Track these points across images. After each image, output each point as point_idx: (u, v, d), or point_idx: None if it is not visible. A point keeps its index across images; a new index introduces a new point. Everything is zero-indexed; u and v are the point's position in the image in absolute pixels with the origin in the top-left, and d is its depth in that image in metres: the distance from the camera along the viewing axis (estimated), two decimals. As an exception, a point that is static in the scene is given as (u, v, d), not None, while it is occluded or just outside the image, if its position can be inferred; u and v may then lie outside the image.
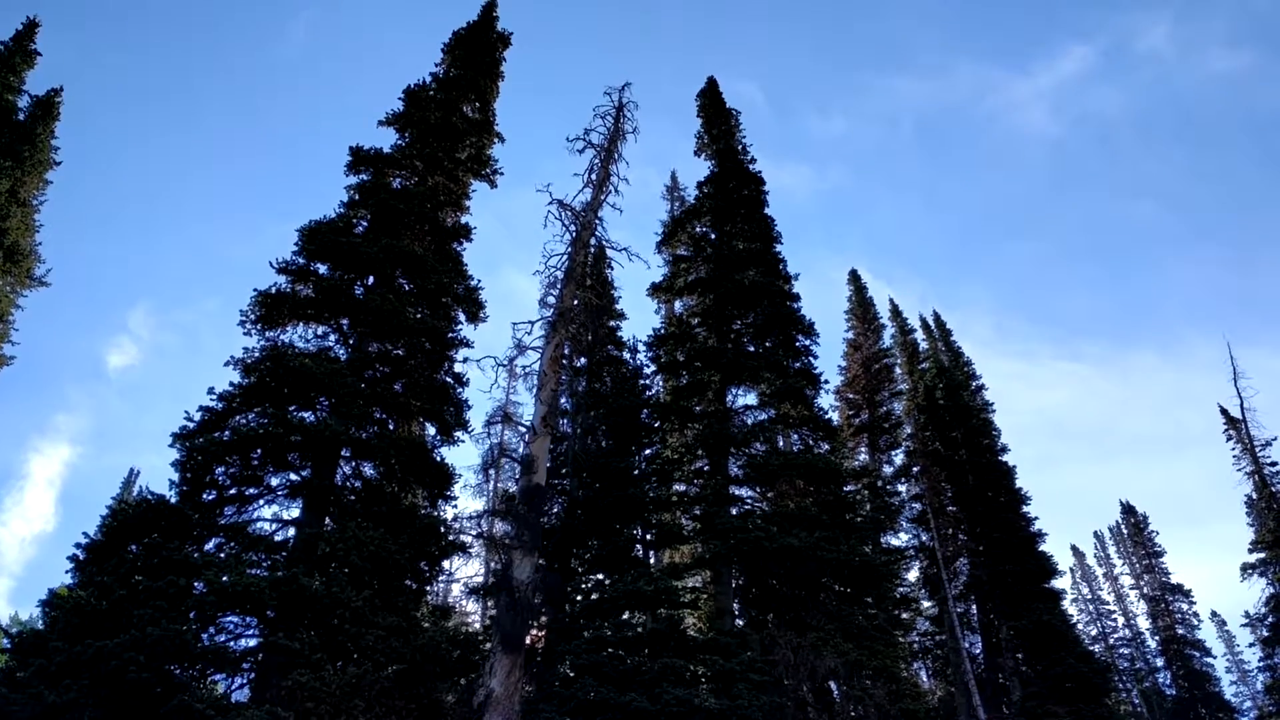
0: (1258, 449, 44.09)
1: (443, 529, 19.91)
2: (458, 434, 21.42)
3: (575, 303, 22.28)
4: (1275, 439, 44.46)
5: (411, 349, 21.40)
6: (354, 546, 17.05)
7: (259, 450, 18.32)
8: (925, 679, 35.09)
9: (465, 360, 22.13)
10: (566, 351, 28.33)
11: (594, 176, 23.60)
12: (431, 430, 21.36)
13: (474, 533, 23.90)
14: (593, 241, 23.17)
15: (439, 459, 20.43)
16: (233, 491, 18.40)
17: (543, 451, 19.32)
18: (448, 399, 21.47)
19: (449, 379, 21.85)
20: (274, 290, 20.38)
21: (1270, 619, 40.84)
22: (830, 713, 21.74)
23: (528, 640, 22.74)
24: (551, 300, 21.70)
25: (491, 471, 42.87)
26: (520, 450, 23.21)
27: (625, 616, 21.23)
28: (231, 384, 18.80)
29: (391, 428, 20.62)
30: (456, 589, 35.22)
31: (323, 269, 21.26)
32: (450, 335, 22.08)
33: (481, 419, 48.92)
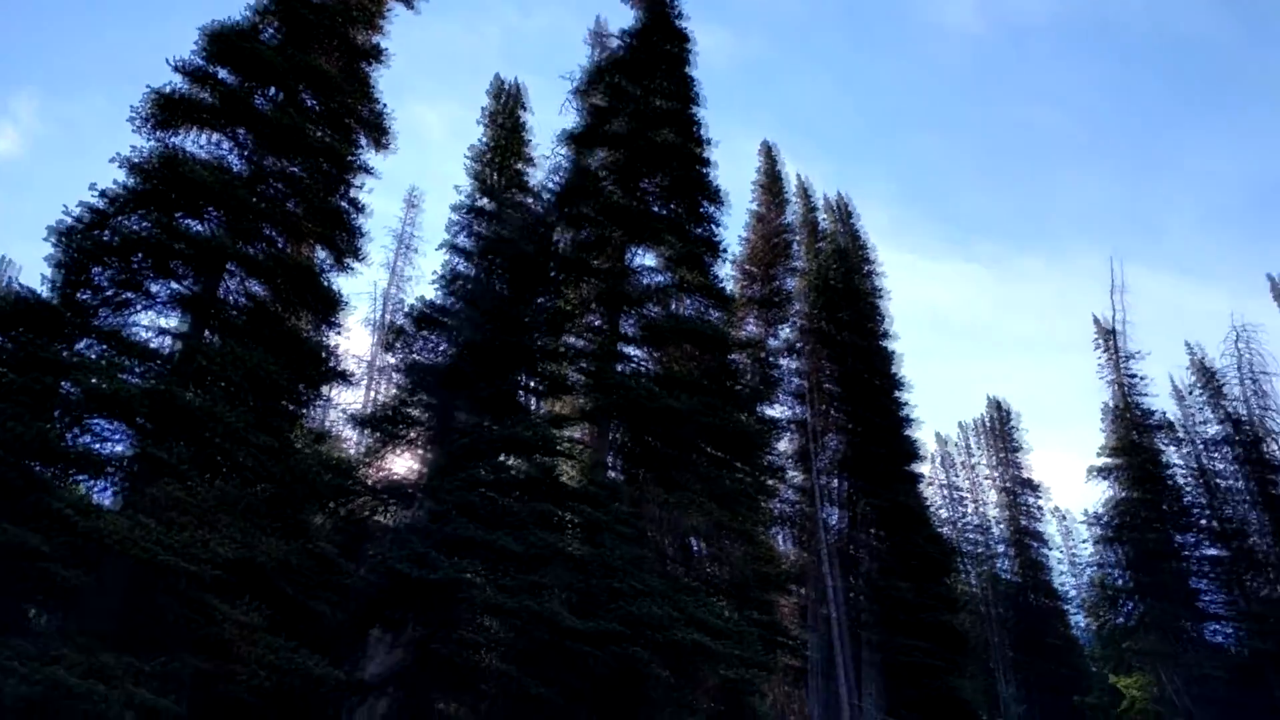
0: (1124, 361, 46.36)
1: (326, 355, 19.74)
2: (350, 262, 21.04)
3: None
4: (1140, 353, 46.84)
5: (310, 169, 20.72)
6: (233, 363, 16.83)
7: (142, 255, 17.72)
8: (785, 545, 36.71)
9: (366, 188, 21.61)
10: (471, 192, 27.89)
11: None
12: (324, 255, 20.92)
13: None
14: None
15: (329, 285, 20.08)
16: (111, 295, 17.83)
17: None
18: (343, 225, 20.99)
19: (347, 204, 21.30)
20: (170, 91, 19.34)
21: (1106, 519, 43.71)
22: (689, 567, 22.74)
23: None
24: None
25: (384, 302, 42.44)
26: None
27: (503, 460, 21.60)
28: (117, 184, 17.96)
29: (282, 248, 20.12)
30: (336, 415, 35.14)
31: (224, 75, 20.22)
32: (352, 159, 21.42)
33: (379, 250, 48.03)
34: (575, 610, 18.65)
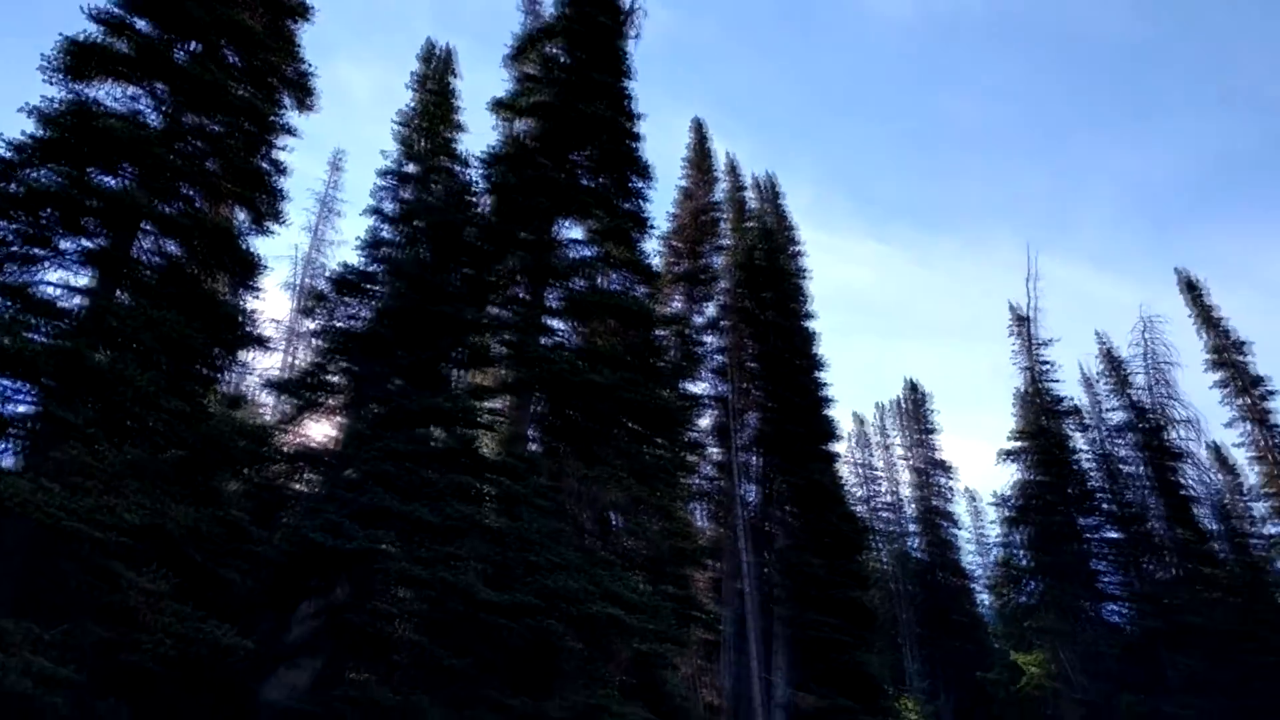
0: (1036, 347, 47.61)
1: (243, 318, 19.34)
2: (270, 224, 20.59)
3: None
4: (1051, 340, 48.17)
5: (231, 128, 20.17)
6: (146, 325, 16.39)
7: (51, 210, 17.11)
8: (702, 520, 37.09)
9: (288, 148, 21.15)
10: (397, 157, 27.46)
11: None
12: (243, 216, 20.43)
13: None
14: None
15: (247, 247, 19.60)
16: (17, 250, 17.20)
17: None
18: (264, 186, 20.51)
19: (268, 165, 20.80)
20: (85, 39, 18.61)
21: (1014, 501, 44.99)
22: (606, 542, 22.89)
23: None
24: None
25: (304, 266, 41.68)
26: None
27: (422, 430, 21.44)
28: (26, 135, 17.29)
29: (200, 207, 19.60)
30: (253, 381, 34.49)
31: (143, 25, 19.53)
32: (274, 119, 20.92)
33: (301, 212, 47.12)
34: (491, 582, 18.67)
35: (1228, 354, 48.93)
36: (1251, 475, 49.05)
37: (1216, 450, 50.62)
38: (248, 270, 19.91)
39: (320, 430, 23.67)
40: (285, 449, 22.75)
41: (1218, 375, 49.37)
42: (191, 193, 19.44)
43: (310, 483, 22.21)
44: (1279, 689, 33.74)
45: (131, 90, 19.39)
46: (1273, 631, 35.44)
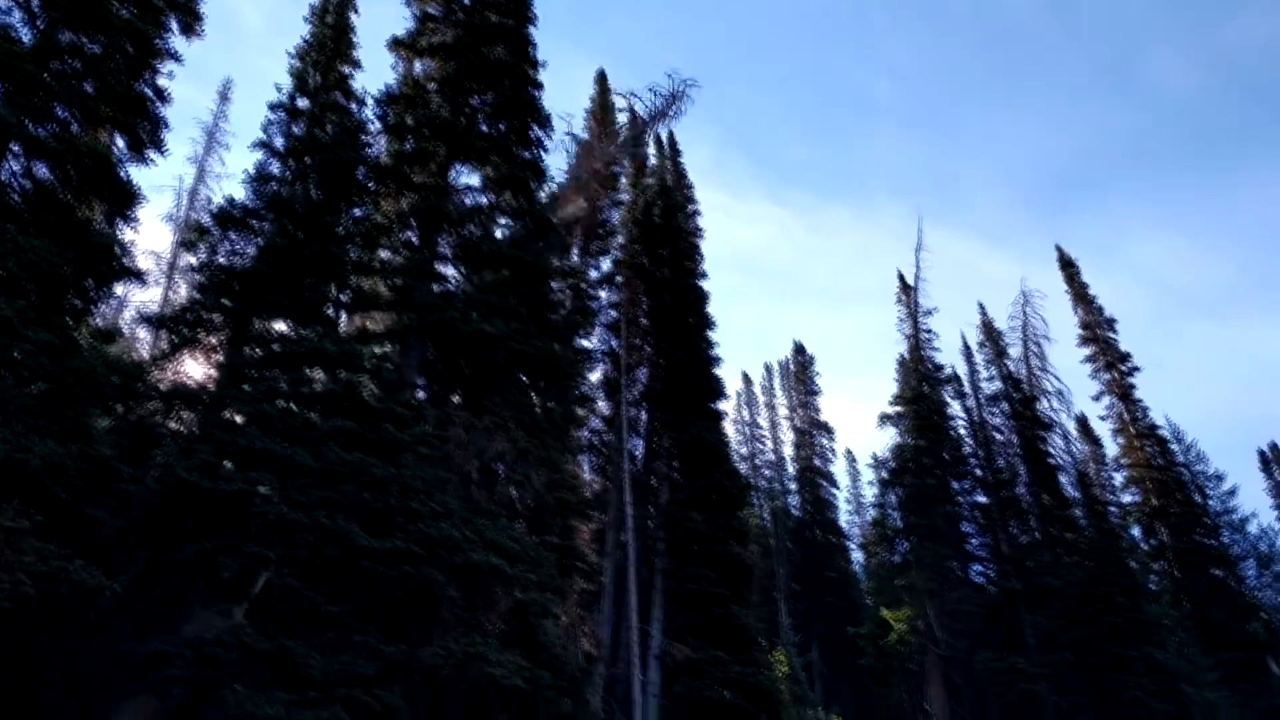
0: (919, 315, 48.98)
1: (119, 250, 18.58)
2: (151, 153, 19.75)
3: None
4: (935, 310, 49.65)
5: (110, 49, 19.20)
6: (12, 251, 15.64)
7: (-92, 124, 16.16)
8: (588, 473, 37.29)
9: (171, 75, 20.28)
10: (290, 91, 26.57)
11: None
12: (121, 143, 19.54)
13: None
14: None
15: (124, 175, 18.82)
16: None
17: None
18: (144, 112, 19.64)
19: (149, 90, 19.91)
20: (-50, -57, 17.52)
21: (891, 463, 46.46)
22: (492, 492, 22.87)
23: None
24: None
25: (188, 199, 40.17)
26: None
27: (305, 372, 21.00)
28: (-119, 41, 16.23)
29: (75, 131, 18.69)
30: (130, 315, 33.26)
31: (14, -68, 18.44)
32: (157, 43, 20.00)
33: (185, 143, 45.31)
34: (371, 529, 18.50)
35: (1098, 330, 51.19)
36: (1113, 447, 51.69)
37: (1083, 422, 53.10)
38: (124, 200, 19.13)
39: (198, 369, 22.96)
40: (160, 386, 22.02)
41: (1088, 350, 51.69)
42: (66, 115, 18.51)
43: (186, 422, 21.56)
44: (1123, 646, 35.78)
45: (4, 3, 18.34)
46: (1120, 593, 37.48)
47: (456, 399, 23.50)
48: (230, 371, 21.07)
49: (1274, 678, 42.20)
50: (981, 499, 46.18)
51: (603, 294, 38.82)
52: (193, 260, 24.74)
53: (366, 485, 19.08)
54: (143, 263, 19.34)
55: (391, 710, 17.05)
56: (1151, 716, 34.11)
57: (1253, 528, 52.68)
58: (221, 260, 23.13)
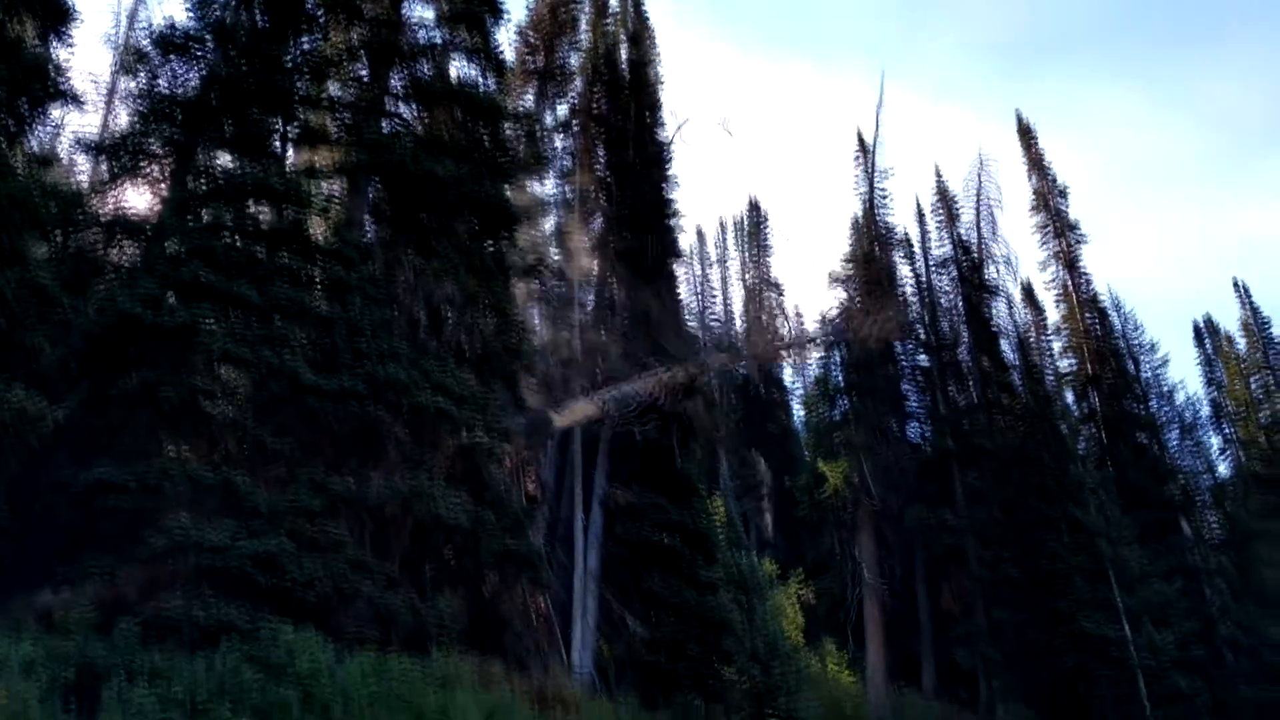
0: (875, 177, 48.84)
1: (53, 71, 17.88)
2: (86, -32, 18.83)
3: None
4: (891, 171, 49.52)
5: None
6: (-61, 67, 15.01)
7: None
8: (539, 323, 37.34)
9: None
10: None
11: None
12: (54, -45, 18.58)
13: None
14: None
15: (59, -9, 17.97)
16: None
17: None
18: (78, -79, 18.62)
19: (83, -100, 18.83)
20: None
21: (836, 322, 47.07)
22: (439, 336, 22.92)
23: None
24: None
25: (129, 21, 38.39)
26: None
27: (249, 207, 20.58)
28: None
29: (3, -60, 17.67)
30: (67, 141, 32.12)
31: None
32: None
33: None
34: (317, 368, 18.56)
35: (1049, 199, 51.53)
36: (1056, 315, 52.77)
37: (1028, 290, 53.96)
38: (57, 16, 18.32)
39: (139, 199, 22.40)
40: (101, 216, 21.54)
41: (1038, 218, 52.11)
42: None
43: (128, 253, 21.18)
44: (1047, 505, 37.39)
45: None
46: (1049, 455, 38.91)
47: (405, 241, 23.21)
48: (174, 203, 20.61)
49: (1185, 538, 44.45)
50: (924, 361, 47.08)
51: (559, 141, 38.08)
52: (133, 86, 23.82)
53: (313, 324, 19.05)
54: (80, 86, 18.56)
55: (337, 543, 17.45)
56: (1068, 570, 35.90)
57: (1180, 397, 54.71)
58: (163, 87, 22.30)
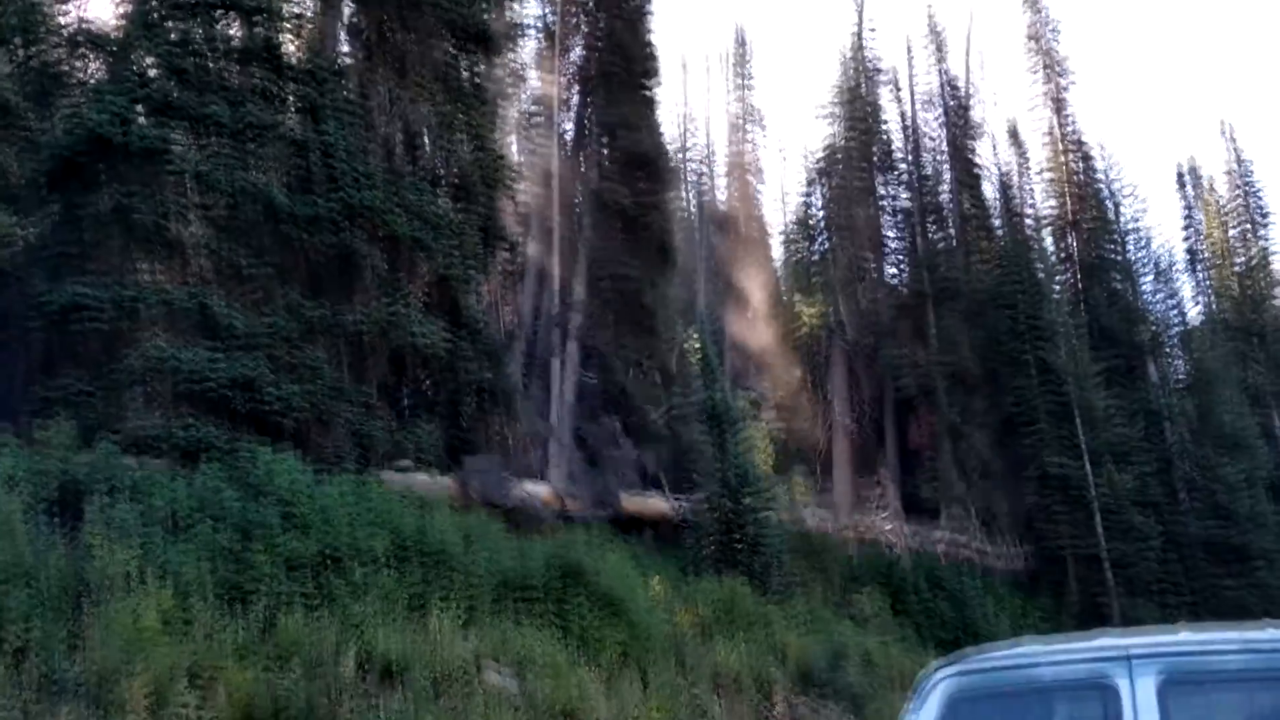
0: (863, 10, 47.39)
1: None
2: None
3: None
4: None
5: None
6: None
7: None
8: (517, 151, 36.73)
9: None
10: None
11: None
12: None
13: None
14: None
15: None
16: None
17: None
18: None
19: None
20: None
21: (820, 159, 46.70)
22: (415, 162, 22.61)
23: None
24: None
25: None
26: None
27: (220, 22, 19.84)
28: None
29: None
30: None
31: None
32: None
33: None
34: (291, 192, 18.32)
35: (1041, 39, 50.25)
36: (1041, 157, 52.16)
37: (1013, 132, 53.17)
38: None
39: (104, 10, 21.52)
40: (65, 29, 20.77)
41: (1031, 60, 50.94)
42: None
43: (93, 67, 20.51)
44: (1017, 342, 37.97)
45: None
46: (1024, 298, 39.23)
47: (381, 62, 22.55)
48: (140, 16, 19.82)
49: (1152, 382, 45.37)
50: (905, 201, 46.74)
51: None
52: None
53: (286, 147, 18.72)
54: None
55: (313, 367, 17.63)
56: (1035, 411, 36.77)
57: (1157, 242, 54.80)
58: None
